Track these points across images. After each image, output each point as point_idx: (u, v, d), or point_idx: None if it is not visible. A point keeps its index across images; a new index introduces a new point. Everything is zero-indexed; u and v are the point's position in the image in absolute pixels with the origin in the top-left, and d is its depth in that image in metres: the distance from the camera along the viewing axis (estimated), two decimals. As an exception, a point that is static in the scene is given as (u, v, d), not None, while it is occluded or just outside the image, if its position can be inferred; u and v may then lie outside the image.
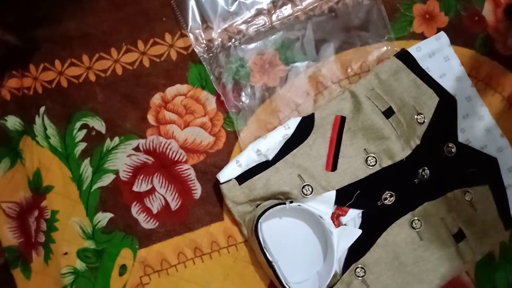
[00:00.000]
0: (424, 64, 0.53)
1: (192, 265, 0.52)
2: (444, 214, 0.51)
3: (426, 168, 0.51)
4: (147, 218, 0.52)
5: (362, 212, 0.51)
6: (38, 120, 0.53)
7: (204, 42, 0.53)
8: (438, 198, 0.51)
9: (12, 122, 0.53)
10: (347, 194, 0.50)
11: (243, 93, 0.53)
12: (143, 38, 0.54)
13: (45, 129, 0.52)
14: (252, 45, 0.54)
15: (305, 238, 0.51)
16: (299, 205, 0.48)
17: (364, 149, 0.51)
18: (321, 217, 0.49)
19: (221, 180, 0.49)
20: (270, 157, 0.50)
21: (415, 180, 0.51)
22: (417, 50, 0.53)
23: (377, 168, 0.51)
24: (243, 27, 0.54)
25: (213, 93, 0.53)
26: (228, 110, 0.53)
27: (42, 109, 0.53)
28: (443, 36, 0.54)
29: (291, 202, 0.48)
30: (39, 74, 0.53)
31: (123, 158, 0.52)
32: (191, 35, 0.53)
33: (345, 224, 0.51)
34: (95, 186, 0.52)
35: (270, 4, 0.54)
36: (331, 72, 0.54)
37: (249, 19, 0.54)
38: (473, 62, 0.55)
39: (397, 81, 0.52)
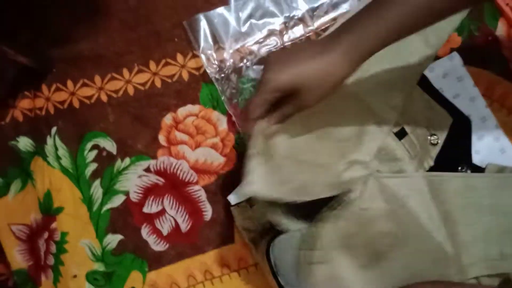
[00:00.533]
0: (437, 84, 0.52)
1: (202, 289, 0.51)
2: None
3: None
4: (157, 240, 0.51)
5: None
6: (49, 141, 0.53)
7: (216, 62, 0.53)
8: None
9: (24, 143, 0.53)
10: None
11: (254, 114, 0.53)
12: (155, 58, 0.54)
13: (56, 149, 0.52)
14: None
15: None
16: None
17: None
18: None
19: (232, 202, 0.49)
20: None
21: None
22: (430, 70, 0.53)
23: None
24: (255, 47, 0.54)
25: (224, 113, 0.53)
26: (239, 131, 0.53)
27: (54, 129, 0.53)
28: (456, 57, 0.54)
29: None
30: (51, 95, 0.53)
31: (133, 179, 0.52)
32: (203, 56, 0.53)
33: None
34: (105, 208, 0.51)
35: (282, 24, 0.54)
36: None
37: (261, 40, 0.54)
38: (487, 82, 0.54)
39: (410, 101, 0.51)
